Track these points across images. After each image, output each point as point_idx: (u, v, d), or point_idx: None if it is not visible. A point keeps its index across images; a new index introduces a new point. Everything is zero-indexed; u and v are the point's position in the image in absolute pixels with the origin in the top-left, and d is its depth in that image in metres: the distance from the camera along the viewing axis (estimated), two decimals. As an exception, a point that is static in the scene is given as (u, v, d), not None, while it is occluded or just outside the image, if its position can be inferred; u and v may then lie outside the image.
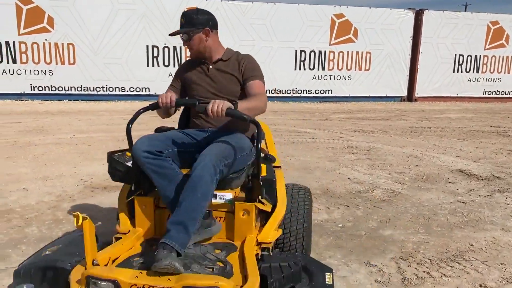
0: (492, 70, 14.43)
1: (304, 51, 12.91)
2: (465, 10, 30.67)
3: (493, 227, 3.72)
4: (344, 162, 5.86)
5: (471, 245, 3.35)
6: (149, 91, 12.02)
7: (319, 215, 3.87)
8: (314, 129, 8.45)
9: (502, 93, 14.71)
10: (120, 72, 11.86)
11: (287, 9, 12.54)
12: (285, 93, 13.05)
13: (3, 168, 5.16)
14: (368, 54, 13.45)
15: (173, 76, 2.86)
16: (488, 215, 4.00)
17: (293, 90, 13.13)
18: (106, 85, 11.90)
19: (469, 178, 5.25)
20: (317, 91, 13.38)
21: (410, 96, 14.15)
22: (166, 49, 12.02)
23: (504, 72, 14.53)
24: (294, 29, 12.63)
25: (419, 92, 14.14)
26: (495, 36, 14.12)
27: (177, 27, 2.70)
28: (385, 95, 13.87)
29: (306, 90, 13.26)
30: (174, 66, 12.02)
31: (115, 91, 11.98)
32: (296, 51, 12.85)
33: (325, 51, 13.08)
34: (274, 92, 12.86)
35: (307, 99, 13.28)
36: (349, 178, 5.09)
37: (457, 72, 14.22)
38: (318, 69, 13.18)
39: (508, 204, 4.31)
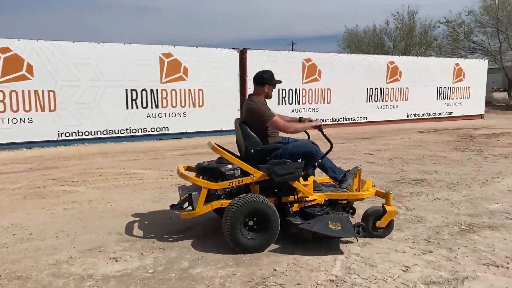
0: (310, 101, 16.13)
1: (135, 90, 12.73)
2: (292, 49, 34.16)
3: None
4: (169, 201, 5.81)
5: (274, 270, 3.57)
6: None
7: (129, 264, 3.71)
8: (144, 169, 8.27)
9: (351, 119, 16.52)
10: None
11: (113, 48, 12.27)
12: (118, 133, 12.61)
13: None
14: (200, 91, 13.88)
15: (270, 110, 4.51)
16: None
17: (127, 129, 12.76)
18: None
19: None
20: (153, 129, 13.25)
21: (243, 129, 14.89)
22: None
23: (320, 103, 16.34)
24: (122, 69, 12.40)
25: (250, 124, 14.98)
26: (310, 72, 15.91)
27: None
28: (220, 129, 14.38)
29: (141, 129, 13.03)
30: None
31: None
32: (126, 90, 12.59)
33: (157, 90, 13.09)
34: (106, 133, 12.33)
35: (142, 138, 13.03)
36: (170, 219, 5.05)
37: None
38: (152, 107, 13.09)
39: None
